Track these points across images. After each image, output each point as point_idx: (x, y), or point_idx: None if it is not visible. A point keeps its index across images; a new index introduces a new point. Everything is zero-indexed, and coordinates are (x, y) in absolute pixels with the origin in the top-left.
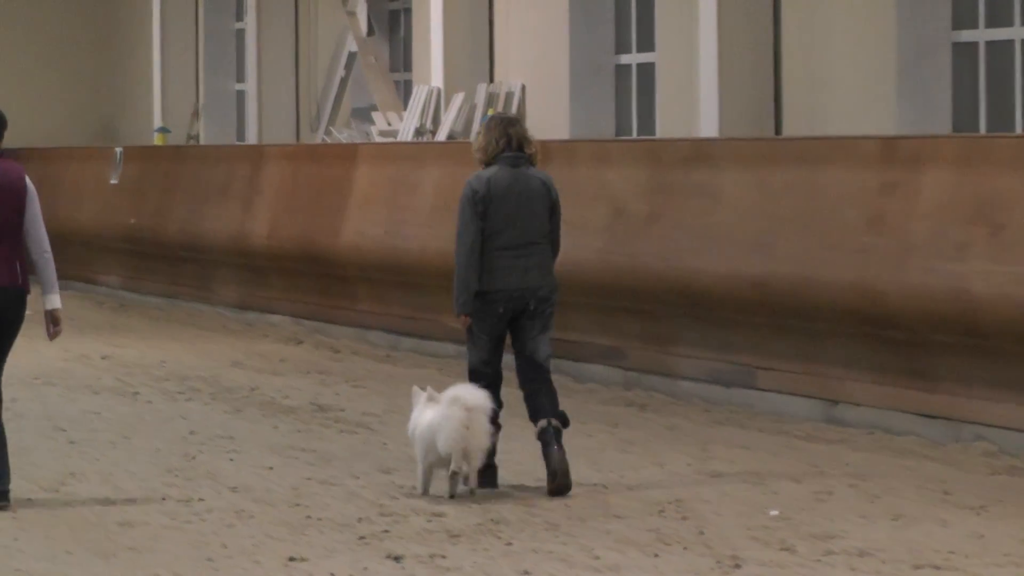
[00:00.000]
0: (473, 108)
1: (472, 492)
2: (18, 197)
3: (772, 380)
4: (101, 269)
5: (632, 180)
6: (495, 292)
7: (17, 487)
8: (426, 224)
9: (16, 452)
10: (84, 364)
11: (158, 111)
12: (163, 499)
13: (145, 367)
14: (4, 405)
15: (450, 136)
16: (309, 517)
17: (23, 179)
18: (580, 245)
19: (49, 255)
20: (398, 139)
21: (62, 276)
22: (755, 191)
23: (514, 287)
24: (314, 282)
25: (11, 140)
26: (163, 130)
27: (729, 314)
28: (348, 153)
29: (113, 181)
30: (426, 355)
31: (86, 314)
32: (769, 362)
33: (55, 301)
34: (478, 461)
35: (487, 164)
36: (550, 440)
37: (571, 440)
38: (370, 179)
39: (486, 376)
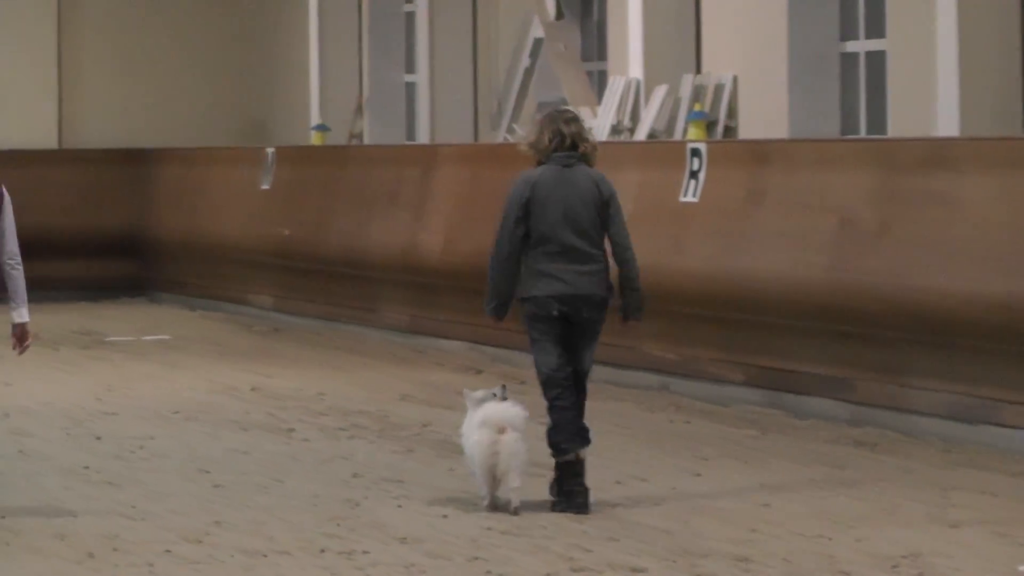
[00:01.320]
0: (677, 102)
1: (515, 513)
2: None
3: (1022, 416)
4: (250, 288)
5: (860, 186)
6: (546, 297)
7: (155, 537)
8: None
9: (154, 497)
10: (231, 396)
11: (315, 107)
12: (322, 551)
13: (301, 400)
14: (139, 443)
15: (651, 135)
16: (489, 572)
17: (2, 190)
18: (800, 261)
19: (20, 266)
20: None
21: (206, 295)
22: (1002, 199)
23: (566, 293)
24: None
25: (148, 139)
26: (321, 128)
27: (972, 340)
28: None
29: (264, 187)
30: (623, 386)
31: (233, 339)
32: (1018, 395)
33: (24, 315)
34: (514, 481)
35: (539, 163)
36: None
37: (791, 485)
38: None
39: (561, 383)
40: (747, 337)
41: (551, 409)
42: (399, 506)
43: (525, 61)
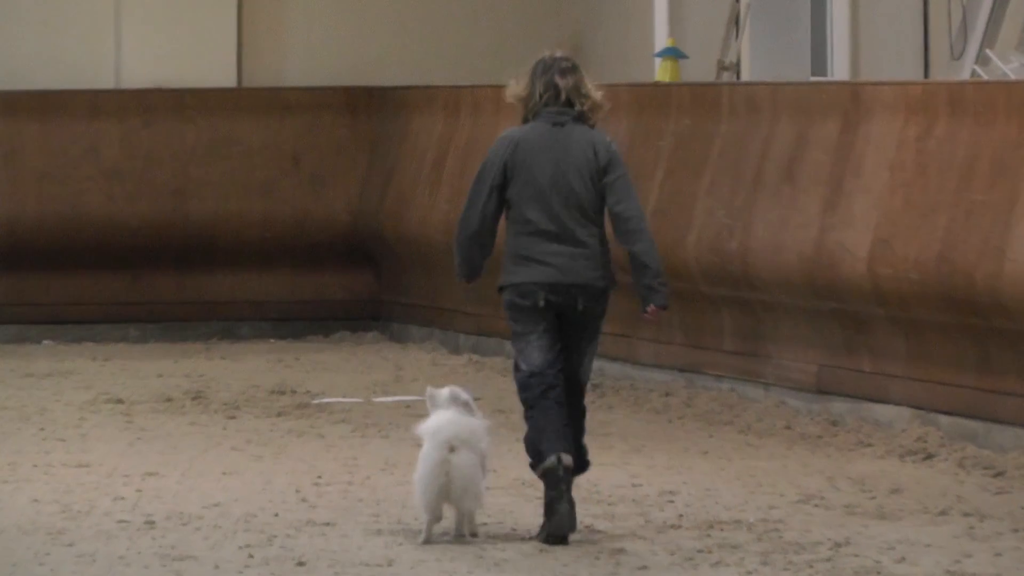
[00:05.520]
0: None
1: (473, 535)
2: None
3: None
4: None
5: None
6: (530, 284)
7: None
8: None
9: None
10: (525, 498)
11: (662, 22)
12: None
13: (638, 503)
14: (370, 574)
15: None
16: None
17: None
18: None
19: None
20: None
21: (482, 330)
22: None
23: (555, 280)
24: (959, 345)
25: (385, 74)
26: (672, 54)
27: None
28: (1018, 99)
29: None
30: None
31: None
32: None
33: None
34: (470, 505)
35: (525, 119)
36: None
37: None
38: None
39: (548, 381)
40: None
41: (531, 409)
42: None
43: None
